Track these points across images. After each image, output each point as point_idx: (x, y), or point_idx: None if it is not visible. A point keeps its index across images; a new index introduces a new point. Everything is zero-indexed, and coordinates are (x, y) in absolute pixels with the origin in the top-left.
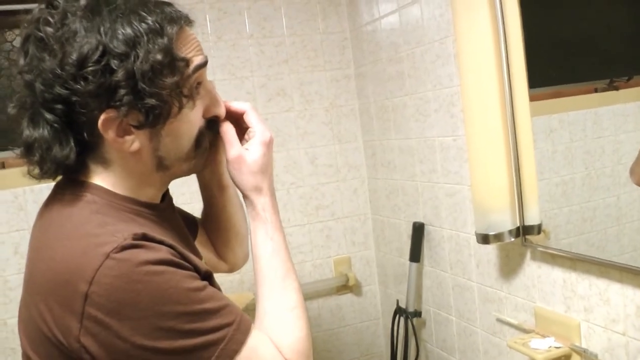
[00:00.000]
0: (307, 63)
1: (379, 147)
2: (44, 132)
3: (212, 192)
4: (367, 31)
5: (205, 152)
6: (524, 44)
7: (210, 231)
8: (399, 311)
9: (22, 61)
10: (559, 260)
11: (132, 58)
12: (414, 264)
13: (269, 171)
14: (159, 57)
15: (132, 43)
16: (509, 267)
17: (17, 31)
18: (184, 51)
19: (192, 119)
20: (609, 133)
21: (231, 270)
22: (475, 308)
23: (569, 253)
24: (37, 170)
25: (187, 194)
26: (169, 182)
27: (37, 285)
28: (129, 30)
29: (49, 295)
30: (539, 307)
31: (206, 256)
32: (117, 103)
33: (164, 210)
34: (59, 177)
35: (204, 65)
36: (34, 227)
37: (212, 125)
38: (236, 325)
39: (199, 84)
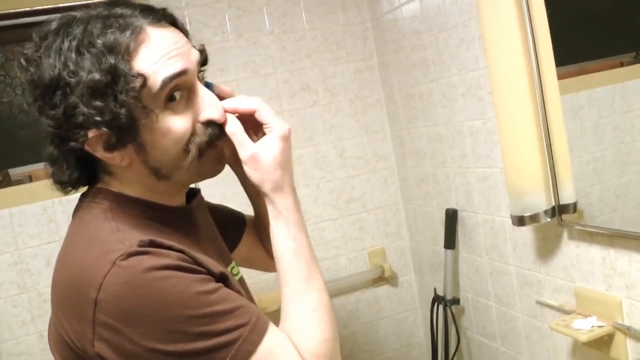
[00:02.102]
0: (330, 56)
1: (407, 136)
2: (52, 154)
3: (250, 192)
4: (388, 20)
5: (198, 157)
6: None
7: (259, 229)
8: (437, 299)
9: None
10: (597, 237)
11: (78, 84)
12: (450, 251)
13: (289, 167)
14: (96, 76)
15: (76, 70)
16: (546, 249)
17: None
18: (149, 61)
19: (173, 128)
20: (637, 107)
21: None
22: (514, 292)
23: (607, 229)
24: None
25: (217, 195)
26: (181, 189)
27: (56, 292)
28: (76, 58)
29: (65, 301)
30: (579, 286)
31: (258, 256)
32: (82, 130)
33: (186, 212)
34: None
35: (176, 76)
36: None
37: (216, 128)
38: (251, 326)
39: (178, 90)
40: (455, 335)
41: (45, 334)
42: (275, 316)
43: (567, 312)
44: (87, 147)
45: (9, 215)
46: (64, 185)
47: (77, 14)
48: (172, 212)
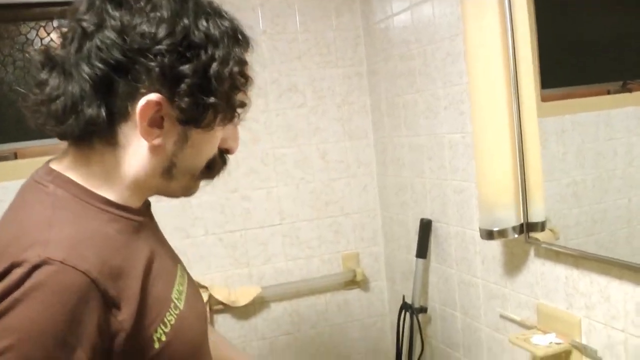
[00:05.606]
0: (320, 59)
1: (389, 144)
2: (75, 86)
3: None
4: (379, 29)
5: (205, 178)
6: (537, 44)
7: None
8: (404, 307)
9: (83, 8)
10: (562, 257)
11: (210, 54)
12: (421, 260)
13: None
14: (235, 68)
15: (214, 41)
16: (513, 264)
17: (31, 24)
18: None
19: (214, 140)
20: (620, 135)
21: None
22: (480, 304)
23: (573, 250)
24: (54, 124)
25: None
26: (154, 194)
27: None
28: (211, 26)
29: None
30: (541, 303)
31: None
32: (173, 91)
33: (145, 212)
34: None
35: (248, 105)
36: None
37: (221, 155)
38: None
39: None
40: (420, 343)
41: None
42: (244, 310)
43: (528, 327)
44: (139, 105)
45: None
46: (84, 125)
47: None
48: (133, 212)
